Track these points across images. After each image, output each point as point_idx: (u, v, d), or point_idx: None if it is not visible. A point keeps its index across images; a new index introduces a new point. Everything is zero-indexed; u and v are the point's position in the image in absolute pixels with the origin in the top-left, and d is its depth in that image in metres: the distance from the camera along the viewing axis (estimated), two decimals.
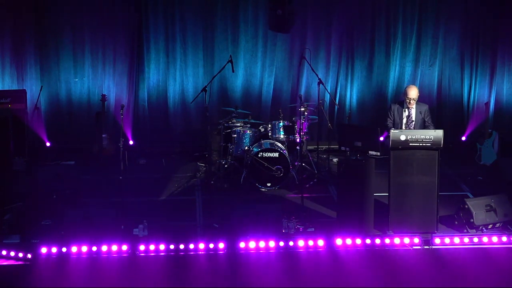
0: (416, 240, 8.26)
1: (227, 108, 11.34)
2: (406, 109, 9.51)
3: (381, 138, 8.87)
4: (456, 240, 8.33)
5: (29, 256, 7.86)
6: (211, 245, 8.07)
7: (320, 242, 8.17)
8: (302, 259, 7.97)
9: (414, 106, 9.50)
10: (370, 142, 8.50)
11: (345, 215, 8.52)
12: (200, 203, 9.62)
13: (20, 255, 7.89)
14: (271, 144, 10.23)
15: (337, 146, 10.19)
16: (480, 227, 8.52)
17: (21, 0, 11.58)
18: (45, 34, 11.76)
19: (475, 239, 8.34)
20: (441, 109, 12.36)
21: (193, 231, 8.57)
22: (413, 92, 9.44)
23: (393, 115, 9.57)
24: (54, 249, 7.90)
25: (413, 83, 12.12)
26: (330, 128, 10.88)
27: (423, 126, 9.50)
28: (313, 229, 8.51)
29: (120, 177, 9.24)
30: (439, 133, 8.31)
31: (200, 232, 8.56)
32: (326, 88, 11.39)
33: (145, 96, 12.09)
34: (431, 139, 8.27)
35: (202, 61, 12.05)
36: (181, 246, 8.05)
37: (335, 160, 10.98)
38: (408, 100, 9.44)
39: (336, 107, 12.01)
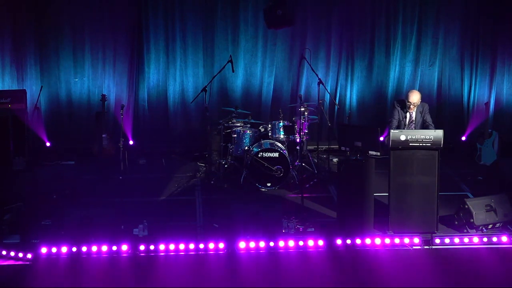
0: (416, 240, 8.27)
1: (227, 108, 11.34)
2: (407, 112, 9.53)
3: (381, 138, 8.87)
4: (456, 240, 8.33)
5: (29, 256, 7.85)
6: (211, 245, 8.07)
7: (320, 242, 8.18)
8: (302, 259, 7.96)
9: (414, 110, 9.52)
10: (370, 142, 8.50)
11: (345, 215, 8.52)
12: (200, 203, 9.62)
13: (20, 255, 7.88)
14: (271, 144, 10.22)
15: (337, 146, 10.19)
16: (480, 227, 8.52)
17: (21, 0, 11.58)
18: (45, 34, 11.76)
19: (475, 239, 8.34)
20: (441, 109, 12.36)
21: (193, 231, 8.57)
22: (414, 97, 9.47)
23: (399, 113, 9.54)
24: (54, 249, 7.90)
25: (413, 83, 12.14)
26: (329, 126, 10.88)
27: (423, 126, 9.50)
28: (313, 229, 8.51)
29: (120, 177, 9.24)
30: (439, 133, 8.31)
31: (200, 232, 8.56)
32: (326, 88, 11.39)
33: (145, 96, 12.09)
34: (431, 139, 8.27)
35: (202, 61, 12.05)
36: (181, 246, 8.05)
37: (335, 160, 10.98)
38: (408, 104, 9.49)
39: (336, 107, 12.00)
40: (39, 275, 7.58)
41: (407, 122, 9.55)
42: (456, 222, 8.67)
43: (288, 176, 10.12)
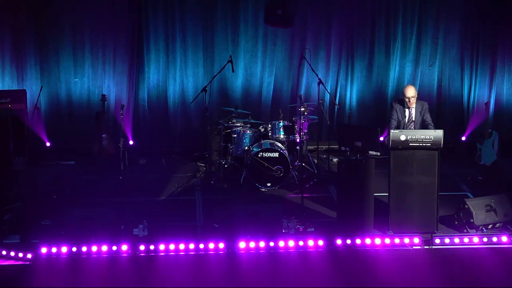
0: (416, 240, 8.26)
1: (227, 108, 11.34)
2: (407, 109, 9.54)
3: (381, 138, 8.87)
4: (456, 240, 8.33)
5: (29, 256, 7.85)
6: (211, 245, 8.07)
7: (320, 242, 8.18)
8: (302, 259, 7.96)
9: (414, 106, 9.52)
10: (370, 142, 8.50)
11: (345, 215, 8.52)
12: (200, 203, 9.62)
13: (20, 255, 7.88)
14: (271, 144, 10.22)
15: (337, 146, 10.19)
16: (480, 227, 8.52)
17: (21, 0, 11.57)
18: (45, 34, 11.76)
19: (475, 239, 8.33)
20: (441, 109, 12.37)
21: (193, 231, 8.57)
22: (410, 91, 9.47)
23: (397, 113, 9.56)
24: (54, 249, 7.90)
25: (413, 83, 12.12)
26: (329, 125, 10.89)
27: (423, 125, 9.51)
28: (313, 229, 8.51)
29: (120, 177, 9.24)
30: (439, 133, 8.31)
31: (200, 232, 8.56)
32: (326, 88, 11.39)
33: (145, 96, 12.10)
34: (431, 139, 8.27)
35: (202, 61, 12.06)
36: (181, 246, 8.05)
37: (335, 160, 10.99)
38: (407, 99, 9.47)
39: (336, 107, 12.01)
40: (39, 275, 7.58)
41: (406, 122, 9.55)
42: (456, 222, 8.67)
43: (288, 176, 10.12)
